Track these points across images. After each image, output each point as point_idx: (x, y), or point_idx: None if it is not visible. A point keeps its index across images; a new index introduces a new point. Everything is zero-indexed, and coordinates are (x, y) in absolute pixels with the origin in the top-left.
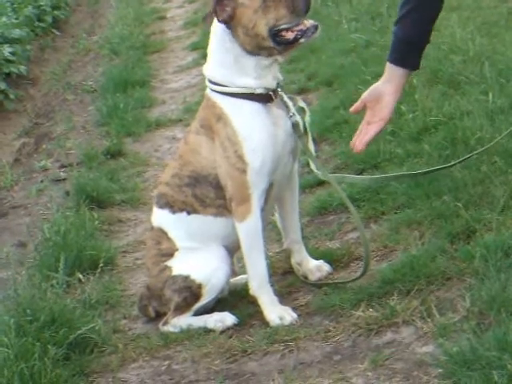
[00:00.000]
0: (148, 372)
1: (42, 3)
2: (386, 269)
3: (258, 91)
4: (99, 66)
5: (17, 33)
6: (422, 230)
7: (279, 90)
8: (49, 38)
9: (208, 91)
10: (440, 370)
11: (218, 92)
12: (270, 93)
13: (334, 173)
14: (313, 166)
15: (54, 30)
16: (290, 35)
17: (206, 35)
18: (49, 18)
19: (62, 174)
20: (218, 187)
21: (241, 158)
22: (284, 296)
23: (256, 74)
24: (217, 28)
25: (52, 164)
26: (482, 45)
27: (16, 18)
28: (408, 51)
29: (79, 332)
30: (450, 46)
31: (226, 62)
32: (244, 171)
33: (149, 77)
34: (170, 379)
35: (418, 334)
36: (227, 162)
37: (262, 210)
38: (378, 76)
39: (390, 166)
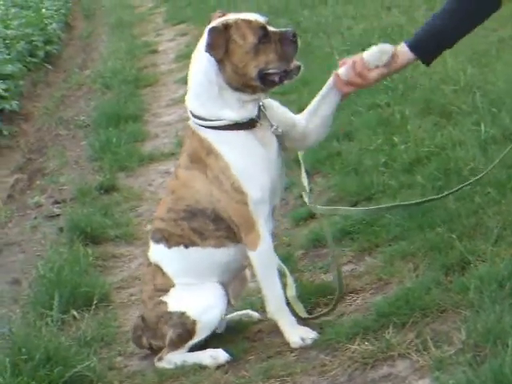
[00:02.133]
0: None
1: (34, 38)
2: (381, 302)
3: (241, 121)
4: (92, 100)
5: (9, 68)
6: (416, 262)
7: (261, 107)
8: (41, 73)
9: (191, 123)
10: None
11: (202, 126)
12: (255, 119)
13: (328, 205)
14: (306, 199)
15: (46, 65)
16: (275, 77)
17: None
18: (41, 53)
19: (55, 209)
20: (218, 219)
21: (239, 190)
22: (279, 330)
23: (238, 106)
24: (202, 58)
25: (45, 200)
26: (473, 75)
27: (8, 54)
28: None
29: (75, 370)
30: (442, 76)
31: (208, 95)
32: (245, 203)
33: (141, 111)
34: None
35: (414, 368)
36: (227, 196)
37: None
38: (370, 107)
39: (383, 197)
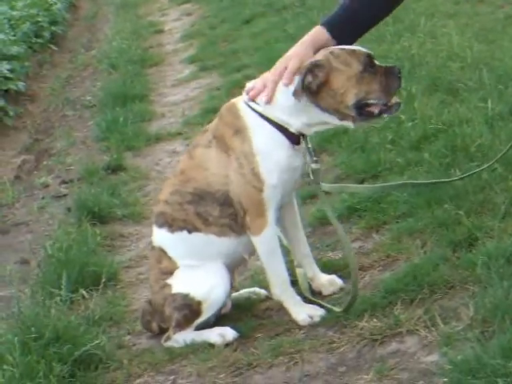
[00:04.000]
0: None
1: (39, 19)
2: (389, 278)
3: (292, 130)
4: (98, 80)
5: (15, 49)
6: (424, 238)
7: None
8: (47, 54)
9: (237, 101)
10: (445, 379)
11: (253, 109)
12: (301, 136)
13: (335, 183)
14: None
15: (51, 46)
16: (375, 109)
17: (203, 48)
18: (46, 34)
19: (62, 190)
20: (225, 204)
21: (257, 176)
22: (286, 309)
23: (308, 122)
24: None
25: (53, 180)
26: (480, 51)
27: (14, 35)
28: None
29: (84, 349)
30: (448, 53)
31: (287, 105)
32: (260, 189)
33: (147, 90)
34: None
35: (423, 344)
36: (243, 179)
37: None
38: None
39: (390, 175)
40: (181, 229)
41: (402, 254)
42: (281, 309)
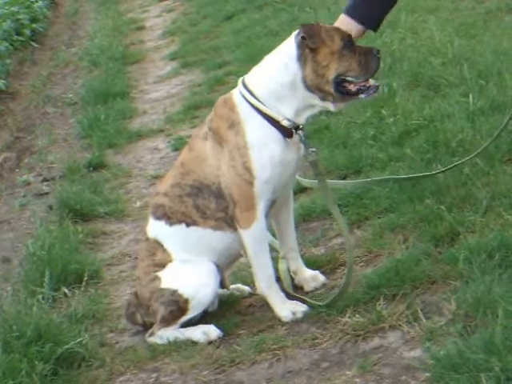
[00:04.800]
0: None
1: (20, 17)
2: (372, 274)
3: (284, 123)
4: (79, 77)
5: None
6: (405, 234)
7: (302, 129)
8: (28, 52)
9: (235, 96)
10: (428, 374)
11: (247, 101)
12: (293, 130)
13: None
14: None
15: (32, 43)
16: (352, 87)
17: (184, 44)
18: (27, 32)
19: (44, 187)
20: (220, 197)
21: (249, 170)
22: (269, 305)
23: (298, 107)
24: (287, 51)
25: (34, 178)
26: (461, 46)
27: None
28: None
29: (66, 347)
30: (429, 49)
31: (282, 81)
32: (251, 183)
33: (129, 88)
34: None
35: (405, 339)
36: (233, 171)
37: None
38: None
39: (372, 170)
40: (179, 222)
41: (384, 250)
42: (264, 305)
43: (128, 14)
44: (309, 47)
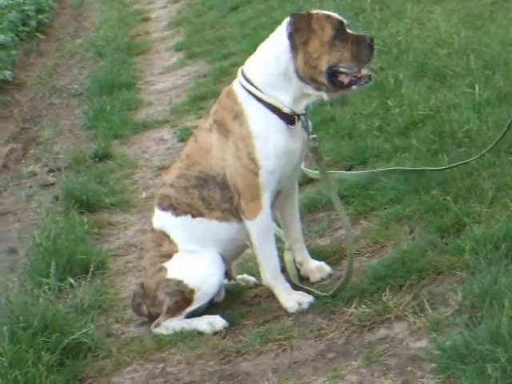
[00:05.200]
0: (142, 375)
1: (25, 8)
2: (378, 265)
3: (286, 110)
4: (84, 68)
5: (1, 38)
6: (411, 224)
7: (303, 115)
8: (34, 43)
9: (233, 87)
10: (434, 365)
11: (248, 92)
12: (295, 116)
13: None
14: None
15: (38, 34)
16: (345, 79)
17: (189, 35)
18: (33, 23)
19: (50, 178)
20: (225, 188)
21: (254, 160)
22: (275, 296)
23: (295, 96)
24: (279, 42)
25: (40, 169)
26: (467, 37)
27: (0, 24)
28: None
29: (72, 337)
30: (435, 40)
31: (273, 73)
32: (256, 173)
33: (134, 79)
34: (165, 382)
35: (411, 330)
36: (238, 162)
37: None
38: None
39: (378, 161)
40: (185, 213)
41: (390, 241)
42: (269, 296)
43: (133, 5)
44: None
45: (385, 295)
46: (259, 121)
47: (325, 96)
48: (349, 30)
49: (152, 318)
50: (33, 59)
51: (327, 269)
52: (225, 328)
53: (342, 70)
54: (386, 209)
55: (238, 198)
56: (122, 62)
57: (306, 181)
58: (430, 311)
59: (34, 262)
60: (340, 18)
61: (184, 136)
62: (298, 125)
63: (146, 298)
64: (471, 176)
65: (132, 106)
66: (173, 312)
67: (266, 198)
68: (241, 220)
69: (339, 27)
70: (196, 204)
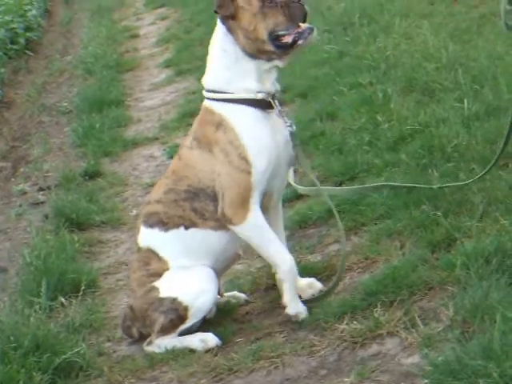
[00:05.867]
0: None
1: (14, 25)
2: (369, 280)
3: (260, 96)
4: (74, 86)
5: None
6: (402, 240)
7: (276, 98)
8: (22, 60)
9: (205, 103)
10: (426, 381)
11: (217, 100)
12: (270, 99)
13: (313, 185)
14: (291, 180)
15: (27, 52)
16: (288, 39)
17: (178, 52)
18: (22, 40)
19: (40, 197)
20: (216, 199)
21: (245, 159)
22: (267, 311)
23: (257, 76)
24: (217, 33)
25: (30, 187)
26: (455, 51)
27: None
28: None
29: (64, 357)
30: (423, 54)
31: (226, 65)
32: (248, 172)
33: (124, 96)
34: None
35: (403, 345)
36: (230, 166)
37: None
38: (352, 87)
39: (368, 176)
40: (177, 226)
41: (380, 256)
42: (261, 313)
43: (122, 22)
44: (228, 17)
45: (376, 311)
46: (240, 119)
47: (279, 63)
48: None
49: (143, 338)
50: (22, 77)
51: (318, 285)
52: (217, 345)
53: (281, 32)
54: (376, 224)
55: (222, 208)
56: (111, 79)
57: (296, 196)
58: (422, 327)
59: (24, 281)
60: None
61: (173, 153)
62: (276, 111)
63: (136, 320)
64: (461, 190)
65: (121, 123)
66: (167, 330)
67: (255, 199)
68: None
69: None
70: (189, 215)
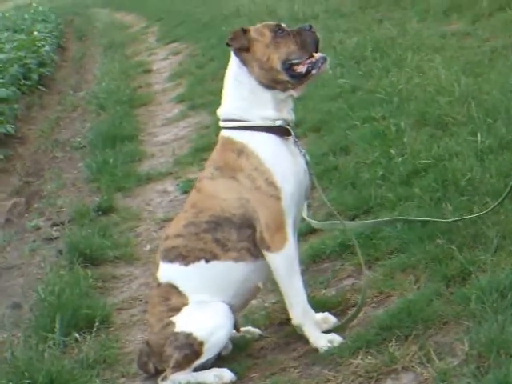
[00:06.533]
0: None
1: (27, 61)
2: (383, 315)
3: (278, 123)
4: (87, 121)
5: (3, 92)
6: (416, 274)
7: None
8: (35, 96)
9: (223, 133)
10: None
11: (236, 129)
12: (288, 126)
13: (326, 219)
14: (305, 214)
15: (40, 88)
16: (301, 68)
17: (191, 87)
18: (35, 76)
19: (54, 232)
20: (243, 227)
21: (273, 184)
22: (282, 346)
23: (274, 105)
24: (232, 66)
25: (44, 223)
26: (468, 85)
27: (2, 78)
28: None
29: None
30: (436, 88)
31: (242, 96)
32: (278, 198)
33: (137, 131)
34: None
35: (419, 380)
36: (258, 193)
37: None
38: (365, 121)
39: (381, 210)
40: (198, 259)
41: (395, 290)
42: (275, 348)
43: (135, 57)
44: (241, 49)
45: (391, 345)
46: (262, 145)
47: (294, 93)
48: (287, 27)
49: (159, 373)
50: (35, 113)
51: (333, 319)
52: (232, 381)
53: (295, 61)
54: (390, 258)
55: (260, 232)
56: (125, 114)
57: (310, 231)
58: (437, 361)
59: (38, 317)
60: (276, 22)
61: (187, 188)
62: (292, 139)
63: (153, 355)
64: (475, 224)
65: (135, 158)
66: (181, 365)
67: (289, 226)
68: (257, 258)
69: (277, 28)
70: (210, 247)
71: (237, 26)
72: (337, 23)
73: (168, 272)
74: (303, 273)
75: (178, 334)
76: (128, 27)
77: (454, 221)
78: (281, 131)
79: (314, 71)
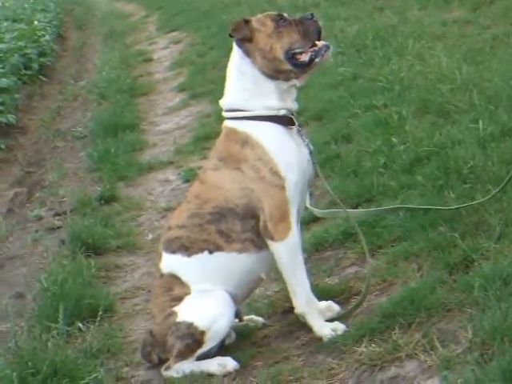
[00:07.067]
0: None
1: (28, 51)
2: (386, 303)
3: (282, 113)
4: (88, 111)
5: (4, 82)
6: (419, 262)
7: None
8: (36, 86)
9: (226, 123)
10: None
11: (239, 119)
12: (292, 116)
13: (329, 208)
14: (307, 203)
15: (41, 77)
16: (304, 57)
17: (192, 76)
18: (35, 66)
19: (56, 222)
20: (246, 217)
21: (277, 174)
22: (285, 335)
23: (277, 95)
24: (234, 56)
25: (46, 212)
26: (469, 72)
27: (2, 67)
28: None
29: (82, 382)
30: (438, 75)
31: (245, 86)
32: (283, 187)
33: (138, 120)
34: None
35: (422, 368)
36: (263, 183)
37: None
38: (367, 109)
39: (384, 199)
40: (201, 250)
41: (398, 278)
42: (278, 336)
43: (135, 46)
44: (244, 39)
45: (394, 333)
46: (266, 135)
47: (297, 82)
48: (288, 17)
49: (163, 363)
50: (36, 102)
51: (336, 308)
52: (235, 369)
53: (297, 50)
54: (393, 246)
55: (264, 222)
56: (126, 104)
57: (313, 219)
58: (441, 349)
59: (41, 307)
60: (278, 12)
61: (189, 177)
62: (296, 128)
63: (156, 345)
64: (478, 212)
65: (136, 148)
66: (184, 355)
67: (293, 215)
68: (260, 249)
69: (279, 18)
70: (213, 238)
71: (237, 15)
72: (337, 11)
73: (170, 263)
74: (306, 261)
75: (179, 323)
76: (128, 16)
77: (456, 208)
78: (284, 121)
79: (317, 59)
